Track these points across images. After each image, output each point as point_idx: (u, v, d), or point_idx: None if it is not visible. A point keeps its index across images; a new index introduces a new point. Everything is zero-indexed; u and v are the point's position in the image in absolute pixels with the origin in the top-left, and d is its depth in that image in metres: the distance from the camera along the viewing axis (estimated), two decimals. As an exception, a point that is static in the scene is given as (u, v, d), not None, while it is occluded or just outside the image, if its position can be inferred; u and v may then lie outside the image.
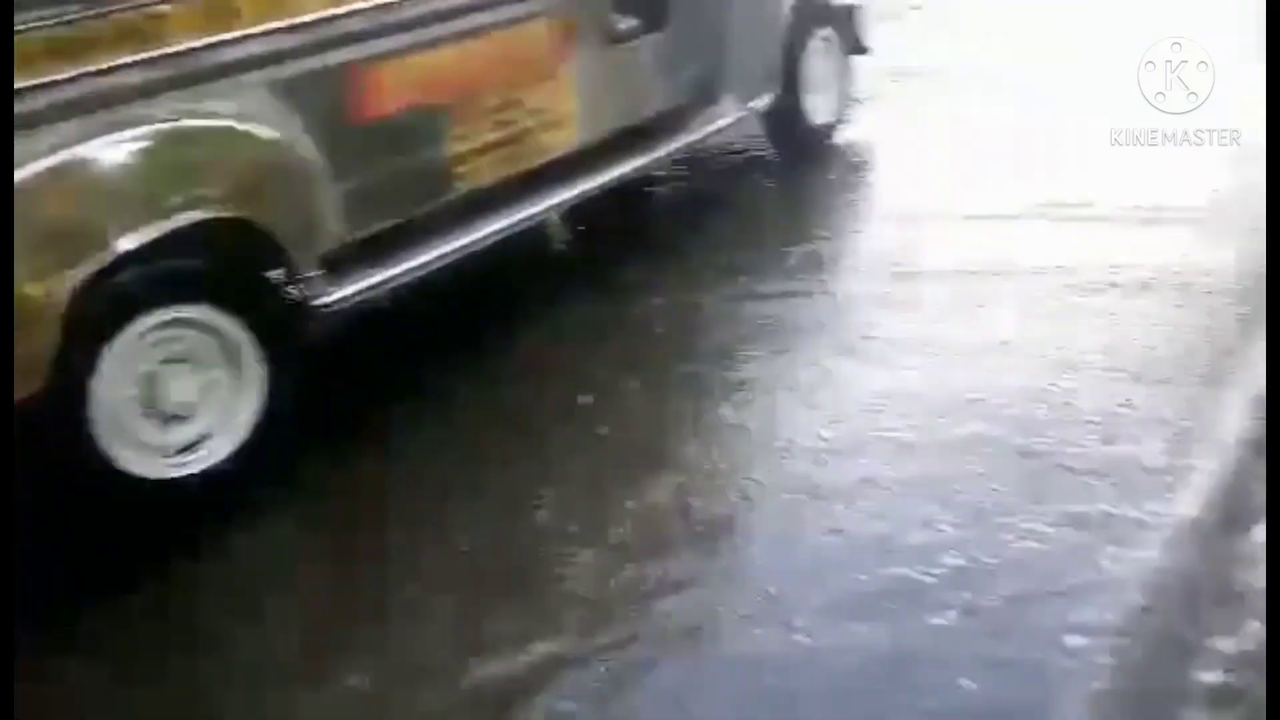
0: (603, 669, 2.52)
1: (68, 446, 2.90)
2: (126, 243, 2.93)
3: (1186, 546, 2.78)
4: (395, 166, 3.63)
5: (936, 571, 2.73)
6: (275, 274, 3.27)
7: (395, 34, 3.59)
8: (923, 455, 3.17)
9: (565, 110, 4.14)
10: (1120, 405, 3.34)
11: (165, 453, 3.08)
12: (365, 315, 3.70)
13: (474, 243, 3.81)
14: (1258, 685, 2.31)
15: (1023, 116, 5.54)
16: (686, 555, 2.88)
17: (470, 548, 2.97)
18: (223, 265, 3.17)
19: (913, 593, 2.67)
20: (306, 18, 3.38)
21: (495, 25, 3.89)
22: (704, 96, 4.85)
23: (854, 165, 5.46)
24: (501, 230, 3.90)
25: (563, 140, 4.15)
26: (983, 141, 5.34)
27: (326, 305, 3.40)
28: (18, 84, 2.77)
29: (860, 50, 5.60)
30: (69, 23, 2.91)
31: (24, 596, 2.60)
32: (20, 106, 2.76)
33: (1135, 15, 6.39)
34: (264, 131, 3.26)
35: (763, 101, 5.04)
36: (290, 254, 3.28)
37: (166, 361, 3.07)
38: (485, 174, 3.88)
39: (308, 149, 3.35)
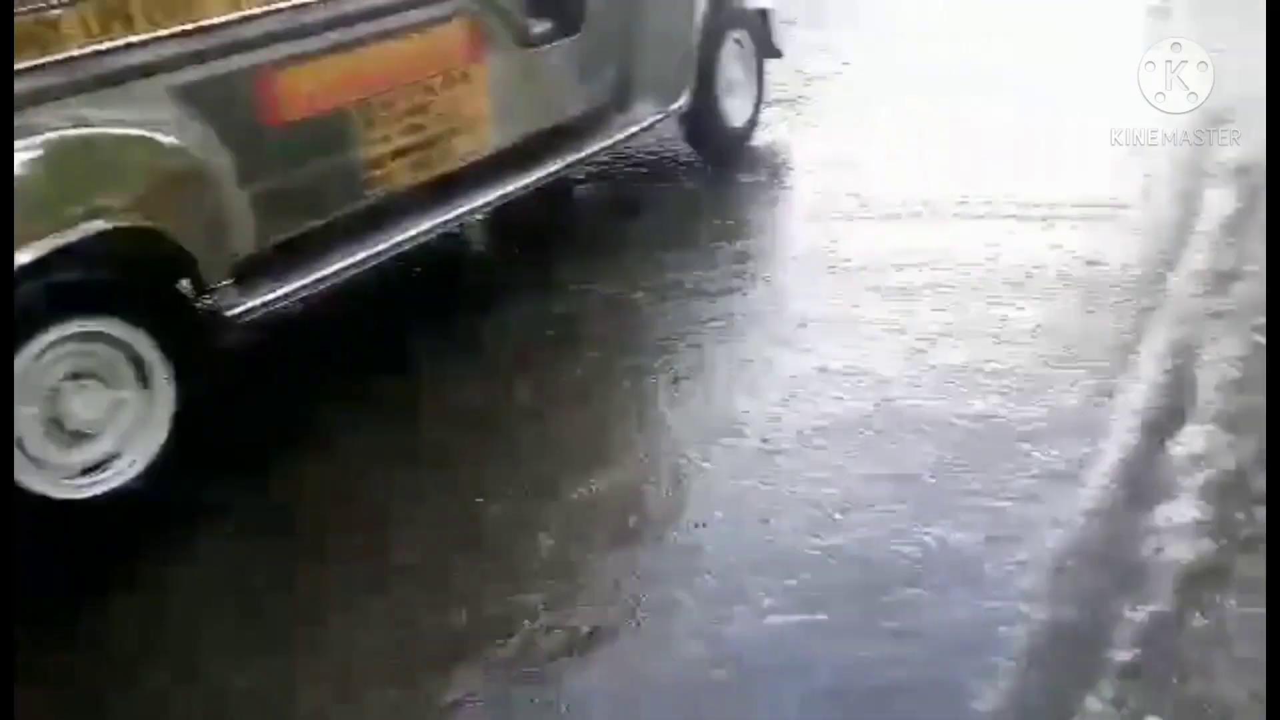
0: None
1: (-35, 467, 2.76)
2: (23, 256, 2.80)
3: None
4: (306, 171, 3.55)
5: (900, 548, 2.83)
6: (184, 284, 3.18)
7: (303, 37, 3.51)
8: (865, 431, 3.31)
9: (478, 114, 4.08)
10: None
11: (69, 473, 2.96)
12: (289, 321, 3.63)
13: (391, 248, 3.75)
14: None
15: (957, 114, 5.64)
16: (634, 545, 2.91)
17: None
18: (129, 277, 3.07)
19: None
20: (206, 22, 3.29)
21: (406, 28, 3.82)
22: (621, 100, 4.82)
23: (773, 166, 5.45)
24: (419, 235, 3.85)
25: (477, 144, 4.09)
26: (920, 140, 5.44)
27: (239, 315, 3.30)
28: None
29: (774, 54, 5.60)
30: (-45, 28, 2.80)
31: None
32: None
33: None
34: (168, 138, 3.16)
35: (680, 104, 5.01)
36: (200, 263, 3.19)
37: (71, 377, 2.96)
38: (399, 178, 3.81)
39: (215, 154, 3.26)
